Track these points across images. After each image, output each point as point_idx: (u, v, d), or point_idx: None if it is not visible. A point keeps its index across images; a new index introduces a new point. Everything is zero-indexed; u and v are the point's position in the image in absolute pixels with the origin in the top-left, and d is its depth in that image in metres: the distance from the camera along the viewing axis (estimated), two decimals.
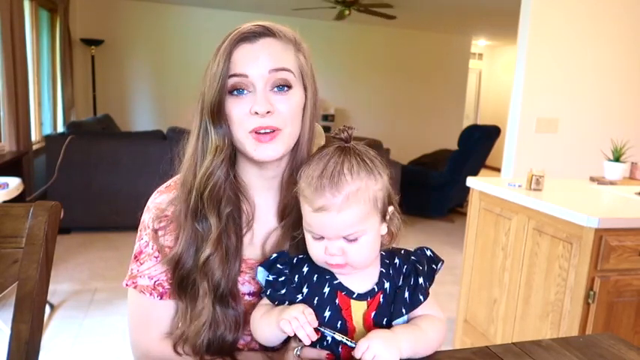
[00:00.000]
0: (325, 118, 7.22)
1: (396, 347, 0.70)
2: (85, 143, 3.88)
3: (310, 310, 0.73)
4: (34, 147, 4.19)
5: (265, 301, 0.81)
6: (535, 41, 3.02)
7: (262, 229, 0.90)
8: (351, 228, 0.72)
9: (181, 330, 0.86)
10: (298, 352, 0.78)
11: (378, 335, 0.70)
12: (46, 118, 5.07)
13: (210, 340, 0.84)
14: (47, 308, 2.67)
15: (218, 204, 0.83)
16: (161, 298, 0.87)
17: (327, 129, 8.40)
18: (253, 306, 0.87)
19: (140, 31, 6.40)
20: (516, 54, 3.12)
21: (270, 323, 0.75)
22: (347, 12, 5.29)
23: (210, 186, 0.82)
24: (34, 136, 4.41)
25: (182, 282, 0.85)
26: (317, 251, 0.75)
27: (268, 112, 0.79)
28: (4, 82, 3.49)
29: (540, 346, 0.84)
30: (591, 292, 1.73)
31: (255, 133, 0.80)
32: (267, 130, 0.79)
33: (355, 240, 0.73)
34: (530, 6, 3.00)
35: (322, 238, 0.74)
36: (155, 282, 0.87)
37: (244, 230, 0.88)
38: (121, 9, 6.26)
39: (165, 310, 0.88)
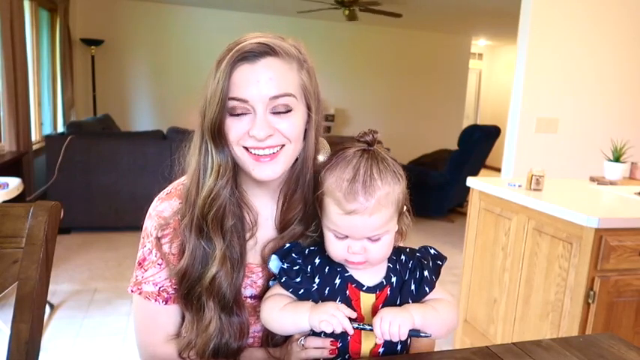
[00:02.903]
0: (325, 118, 7.16)
1: (407, 312, 0.74)
2: (85, 143, 3.88)
3: (344, 305, 0.75)
4: (34, 147, 4.19)
5: (277, 290, 0.82)
6: (535, 41, 3.02)
7: (263, 236, 0.90)
8: (378, 230, 0.75)
9: (188, 339, 0.86)
10: (302, 342, 0.80)
11: (386, 308, 0.75)
12: (46, 118, 5.07)
13: (215, 347, 0.85)
14: (47, 308, 2.67)
15: (222, 223, 0.83)
16: (166, 304, 0.88)
17: (327, 129, 8.27)
18: (255, 309, 0.88)
19: (140, 31, 6.40)
20: (516, 54, 3.12)
21: (298, 319, 0.77)
22: (346, 12, 5.28)
23: (215, 208, 0.82)
24: (34, 136, 4.41)
25: (188, 294, 0.85)
26: (339, 250, 0.77)
27: (269, 136, 0.78)
28: (4, 82, 3.49)
29: (540, 346, 0.84)
30: (591, 292, 1.73)
31: (254, 154, 0.79)
32: (267, 152, 0.79)
33: (378, 240, 0.76)
34: (530, 6, 2.99)
35: (346, 237, 0.76)
36: (160, 288, 0.87)
37: (247, 237, 0.88)
38: (121, 9, 6.26)
39: (171, 314, 0.89)
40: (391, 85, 7.59)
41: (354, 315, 0.74)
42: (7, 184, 2.49)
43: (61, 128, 5.27)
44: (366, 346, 0.79)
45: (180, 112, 6.24)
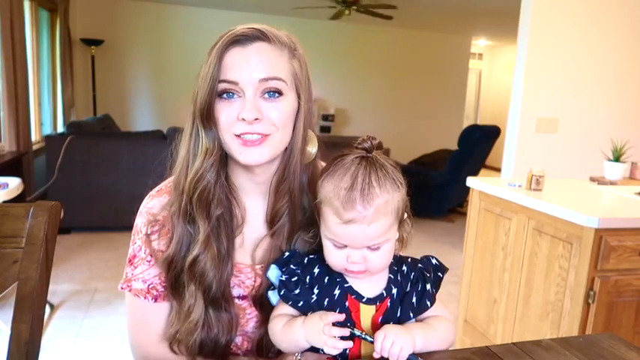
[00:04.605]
0: (325, 118, 7.22)
1: (410, 335, 0.73)
2: (85, 143, 3.88)
3: (331, 315, 0.73)
4: (34, 147, 4.19)
5: (279, 309, 0.81)
6: (535, 41, 3.02)
7: (252, 234, 0.90)
8: (377, 239, 0.74)
9: (175, 329, 0.86)
10: (299, 357, 0.79)
11: (391, 325, 0.74)
12: (46, 118, 5.07)
13: (203, 340, 0.85)
14: (47, 308, 2.67)
15: (207, 206, 0.83)
16: (155, 301, 0.88)
17: (327, 129, 8.22)
18: (244, 310, 0.89)
19: (140, 31, 6.40)
20: (516, 54, 3.12)
21: (296, 340, 0.76)
22: (347, 12, 5.28)
23: (200, 189, 0.82)
24: (34, 136, 4.41)
25: (175, 283, 0.85)
26: (338, 259, 0.76)
27: (256, 120, 0.78)
28: (4, 82, 3.49)
29: (540, 346, 0.84)
30: (591, 292, 1.73)
31: (242, 138, 0.79)
32: (254, 137, 0.79)
33: (378, 249, 0.75)
34: (530, 6, 2.99)
35: (345, 246, 0.75)
36: (149, 285, 0.87)
37: (235, 233, 0.88)
38: (121, 9, 6.26)
39: (161, 312, 0.89)
40: (391, 85, 7.59)
41: (341, 318, 0.73)
42: (7, 184, 2.49)
43: (61, 128, 5.27)
44: (366, 353, 0.78)
45: (180, 112, 6.22)
